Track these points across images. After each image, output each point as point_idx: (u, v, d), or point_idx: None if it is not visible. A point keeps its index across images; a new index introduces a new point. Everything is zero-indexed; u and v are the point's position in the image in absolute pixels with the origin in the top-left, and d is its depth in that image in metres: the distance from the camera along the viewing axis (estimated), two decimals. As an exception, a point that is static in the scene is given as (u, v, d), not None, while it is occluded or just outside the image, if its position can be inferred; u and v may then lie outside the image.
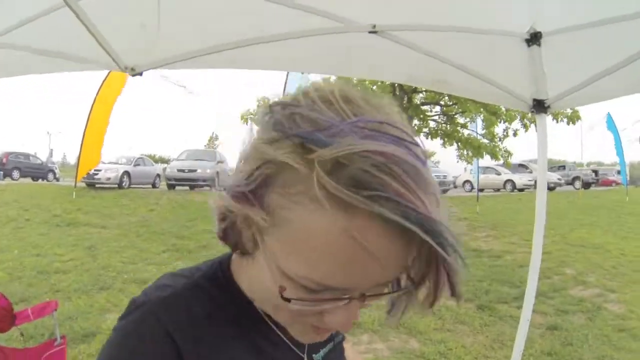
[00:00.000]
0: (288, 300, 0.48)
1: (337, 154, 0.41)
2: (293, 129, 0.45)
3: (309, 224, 0.44)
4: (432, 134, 8.48)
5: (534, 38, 1.80)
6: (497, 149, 8.86)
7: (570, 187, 25.67)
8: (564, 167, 29.02)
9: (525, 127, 7.73)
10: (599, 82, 1.91)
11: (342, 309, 0.50)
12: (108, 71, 6.95)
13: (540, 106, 2.18)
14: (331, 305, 0.50)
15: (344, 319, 0.51)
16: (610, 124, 19.02)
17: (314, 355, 0.69)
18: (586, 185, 26.92)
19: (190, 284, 0.62)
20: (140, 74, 2.10)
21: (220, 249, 0.66)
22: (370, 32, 1.63)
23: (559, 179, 24.15)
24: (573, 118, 7.74)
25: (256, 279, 0.56)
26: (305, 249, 0.45)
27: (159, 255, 8.28)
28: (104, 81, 12.01)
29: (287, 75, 11.42)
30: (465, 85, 2.13)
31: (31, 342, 4.15)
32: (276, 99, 0.53)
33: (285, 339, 0.63)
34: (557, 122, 7.79)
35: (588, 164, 39.29)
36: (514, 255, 8.86)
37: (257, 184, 0.47)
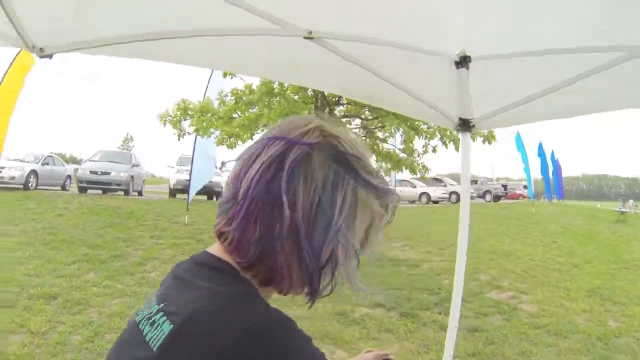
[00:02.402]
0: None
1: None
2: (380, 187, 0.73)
3: None
4: (351, 147, 8.68)
5: (463, 61, 1.86)
6: (416, 164, 9.27)
7: (481, 200, 27.67)
8: (476, 181, 31.16)
9: (445, 144, 8.17)
10: (523, 107, 2.03)
11: None
12: (18, 50, 6.21)
13: (465, 125, 2.28)
14: None
15: None
16: (519, 145, 20.86)
17: None
18: (496, 198, 29.18)
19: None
20: (50, 57, 1.87)
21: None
22: (305, 38, 1.59)
23: (472, 192, 25.93)
24: (489, 138, 8.34)
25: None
26: None
27: (68, 267, 7.44)
28: (12, 62, 10.79)
29: (210, 76, 11.09)
30: (396, 100, 2.16)
31: None
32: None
33: None
34: (474, 140, 8.34)
35: (497, 179, 42.64)
36: (431, 264, 9.28)
37: None
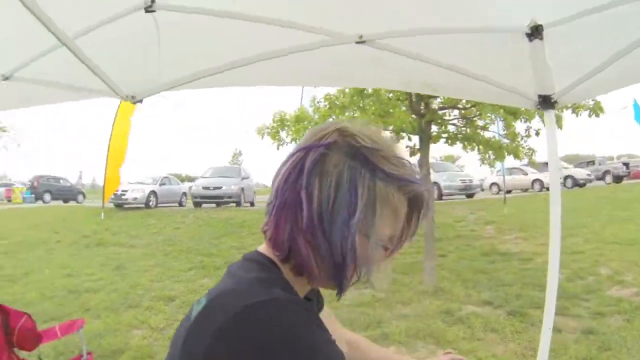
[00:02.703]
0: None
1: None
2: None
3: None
4: (452, 139, 8.27)
5: (535, 31, 1.72)
6: (520, 149, 8.56)
7: (601, 182, 24.80)
8: (593, 162, 27.96)
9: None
10: (608, 71, 1.80)
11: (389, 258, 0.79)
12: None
13: (546, 102, 2.08)
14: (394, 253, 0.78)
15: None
16: (638, 113, 18.08)
17: None
18: (617, 179, 25.82)
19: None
20: (141, 101, 2.16)
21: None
22: (357, 42, 1.60)
23: (588, 174, 23.27)
24: (595, 110, 7.33)
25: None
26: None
27: (185, 273, 8.37)
28: (118, 108, 12.58)
29: (302, 88, 11.58)
30: (463, 87, 2.07)
31: (61, 358, 4.31)
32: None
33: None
34: (577, 115, 7.44)
35: (618, 157, 37.78)
36: (545, 257, 8.49)
37: None
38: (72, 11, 1.65)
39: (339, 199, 0.70)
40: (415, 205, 0.76)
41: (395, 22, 1.64)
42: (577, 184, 21.80)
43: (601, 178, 25.46)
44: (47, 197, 25.45)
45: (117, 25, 1.74)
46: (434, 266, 7.23)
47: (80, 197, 27.67)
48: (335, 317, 1.13)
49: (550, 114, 2.15)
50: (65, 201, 25.66)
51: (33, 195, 24.93)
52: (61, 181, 28.40)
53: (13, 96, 2.52)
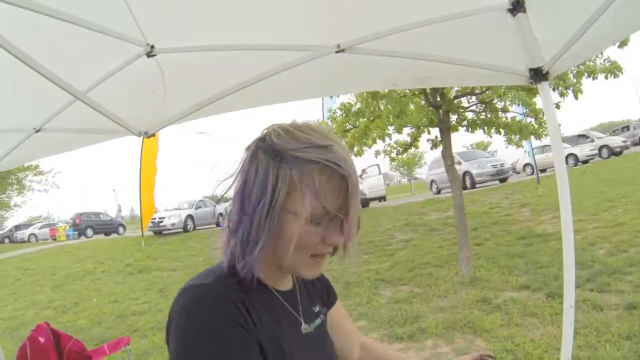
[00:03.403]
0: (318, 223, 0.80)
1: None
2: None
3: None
4: (471, 126, 8.19)
5: (517, 5, 1.73)
6: (543, 127, 8.36)
7: (638, 148, 23.70)
8: (627, 127, 26.61)
9: (563, 94, 7.13)
10: (591, 32, 1.75)
11: (336, 231, 0.82)
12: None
13: (538, 75, 2.06)
14: (330, 228, 0.81)
15: (338, 236, 0.82)
16: None
17: (307, 324, 0.95)
18: (656, 141, 24.67)
19: (222, 275, 0.85)
20: (153, 135, 2.35)
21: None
22: (337, 52, 1.70)
23: (624, 141, 22.04)
24: (613, 70, 7.07)
25: (275, 254, 0.84)
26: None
27: None
28: (142, 143, 13.33)
29: (323, 101, 11.95)
30: (454, 74, 2.11)
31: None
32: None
33: (289, 307, 0.91)
34: (594, 78, 7.19)
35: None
36: (583, 234, 8.32)
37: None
38: (80, 68, 1.85)
39: (253, 190, 0.80)
40: (328, 182, 0.79)
41: (372, 25, 1.72)
42: (613, 152, 20.88)
43: (638, 143, 24.35)
44: (89, 232, 26.51)
45: (124, 73, 1.93)
46: (469, 256, 7.18)
47: (120, 229, 28.65)
48: (351, 321, 1.19)
49: (544, 86, 2.12)
50: (107, 234, 26.64)
51: (76, 232, 25.98)
52: (101, 216, 29.51)
53: (45, 145, 2.82)
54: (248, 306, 0.79)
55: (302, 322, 0.94)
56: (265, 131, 0.86)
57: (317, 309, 1.03)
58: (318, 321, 1.00)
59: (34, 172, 23.23)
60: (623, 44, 6.43)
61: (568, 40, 1.85)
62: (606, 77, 7.02)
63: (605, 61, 7.16)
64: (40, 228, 29.68)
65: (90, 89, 2.02)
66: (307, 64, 1.84)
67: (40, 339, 3.10)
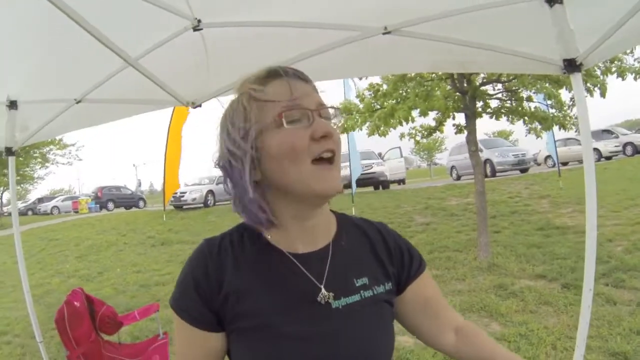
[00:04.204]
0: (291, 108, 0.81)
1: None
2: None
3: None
4: (496, 113, 8.16)
5: None
6: (568, 118, 8.28)
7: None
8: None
9: (590, 92, 7.07)
10: (627, 27, 1.79)
11: (319, 123, 0.81)
12: (172, 107, 8.17)
13: (571, 66, 2.09)
14: (312, 125, 0.81)
15: (325, 126, 0.81)
16: None
17: (335, 301, 0.82)
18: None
19: (230, 230, 0.97)
20: (200, 105, 2.48)
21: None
22: (384, 34, 1.79)
23: None
24: None
25: (281, 182, 0.84)
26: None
27: None
28: (171, 116, 13.38)
29: (344, 83, 11.91)
30: (492, 60, 2.17)
31: (137, 341, 4.74)
32: None
33: (305, 272, 0.85)
34: (623, 78, 7.11)
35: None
36: (602, 229, 8.26)
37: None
38: (130, 36, 1.95)
39: (235, 120, 0.86)
40: (273, 86, 0.85)
41: (418, 10, 1.81)
42: (638, 150, 20.41)
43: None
44: (110, 205, 27.17)
45: (170, 45, 2.04)
46: (488, 242, 7.25)
47: (141, 203, 29.26)
48: (442, 298, 1.02)
49: (577, 77, 2.15)
50: (128, 208, 27.24)
51: (98, 205, 26.65)
52: (122, 190, 30.17)
53: (83, 116, 2.90)
54: (218, 265, 0.87)
55: (322, 288, 0.82)
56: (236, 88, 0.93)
57: (360, 282, 0.86)
58: (356, 297, 0.84)
59: (57, 147, 23.75)
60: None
61: (604, 33, 1.90)
62: (635, 78, 6.94)
63: (636, 61, 7.08)
64: (63, 201, 30.52)
65: (139, 57, 2.11)
66: (352, 44, 1.93)
67: (75, 303, 3.23)
